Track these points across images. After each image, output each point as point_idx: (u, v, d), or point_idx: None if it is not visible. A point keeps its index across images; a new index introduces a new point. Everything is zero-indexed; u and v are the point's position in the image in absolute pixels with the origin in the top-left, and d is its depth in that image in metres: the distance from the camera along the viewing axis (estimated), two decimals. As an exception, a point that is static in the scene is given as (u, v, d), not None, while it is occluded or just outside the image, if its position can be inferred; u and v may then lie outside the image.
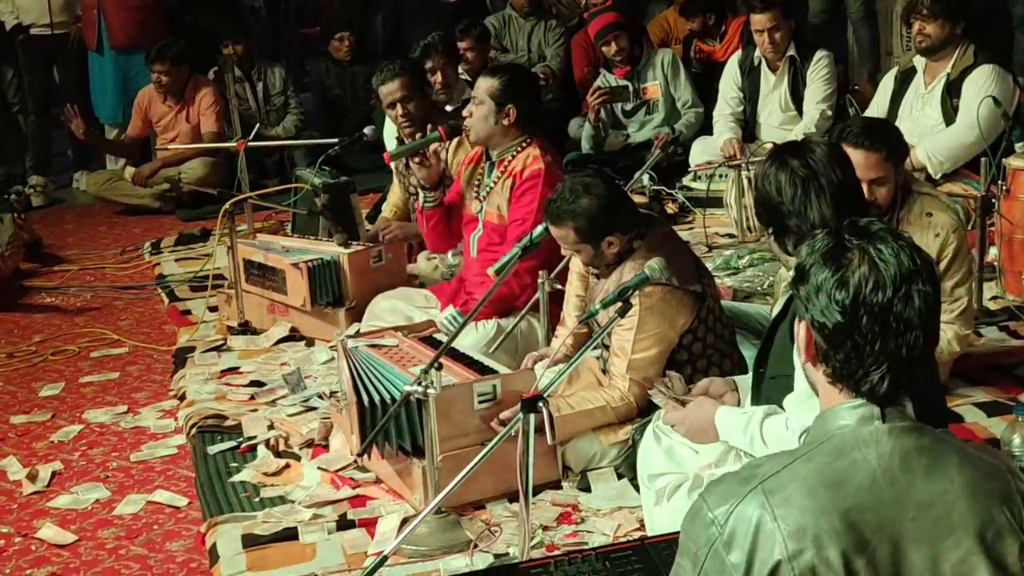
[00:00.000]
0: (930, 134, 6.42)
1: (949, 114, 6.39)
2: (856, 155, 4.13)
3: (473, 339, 4.81)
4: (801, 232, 3.34)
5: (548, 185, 4.78)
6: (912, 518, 2.00)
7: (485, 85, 4.98)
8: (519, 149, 5.01)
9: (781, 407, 3.33)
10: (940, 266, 4.34)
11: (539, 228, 4.14)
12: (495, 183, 5.05)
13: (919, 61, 6.56)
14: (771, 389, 3.43)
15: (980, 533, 2.02)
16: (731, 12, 8.99)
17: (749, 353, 4.16)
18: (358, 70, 9.43)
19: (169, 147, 8.67)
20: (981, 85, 6.24)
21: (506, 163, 5.03)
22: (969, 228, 5.85)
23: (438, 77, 7.02)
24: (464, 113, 5.02)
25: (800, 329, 2.18)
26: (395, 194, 6.27)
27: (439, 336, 4.62)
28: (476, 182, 5.19)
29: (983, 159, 5.66)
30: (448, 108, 6.90)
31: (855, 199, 3.48)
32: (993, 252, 5.72)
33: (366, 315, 5.36)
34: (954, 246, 4.37)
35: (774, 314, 3.53)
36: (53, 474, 4.61)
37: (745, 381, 3.65)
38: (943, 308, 4.35)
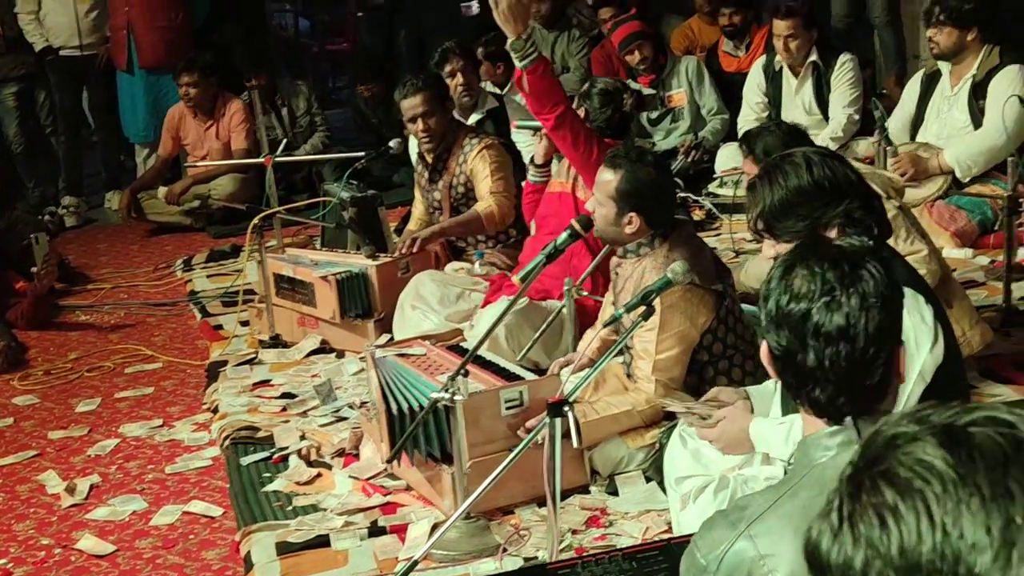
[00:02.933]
0: (957, 136, 6.43)
1: (976, 115, 6.40)
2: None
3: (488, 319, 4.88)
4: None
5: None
6: None
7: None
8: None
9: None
10: None
11: (563, 235, 4.17)
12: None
13: (944, 64, 6.57)
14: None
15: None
16: (756, 23, 8.98)
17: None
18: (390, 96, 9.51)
19: (199, 164, 8.75)
20: (1007, 86, 6.25)
21: None
22: (996, 228, 5.89)
23: (459, 79, 7.08)
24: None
25: (762, 345, 2.20)
26: (418, 208, 6.34)
27: (466, 344, 4.66)
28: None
29: (1010, 159, 5.67)
30: (473, 116, 6.98)
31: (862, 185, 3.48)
32: (1022, 252, 5.72)
33: (406, 293, 5.45)
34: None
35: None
36: (91, 487, 4.69)
37: (758, 390, 3.67)
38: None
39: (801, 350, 2.07)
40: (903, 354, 2.14)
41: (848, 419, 2.08)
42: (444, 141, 5.91)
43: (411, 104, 5.86)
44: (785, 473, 2.79)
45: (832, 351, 2.06)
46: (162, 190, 9.15)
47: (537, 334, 4.81)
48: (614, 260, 4.32)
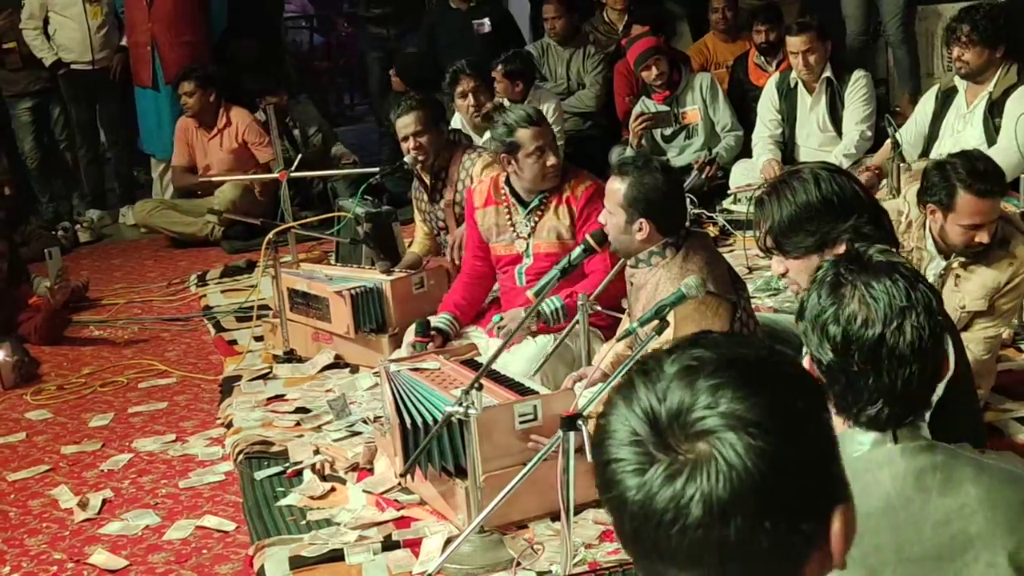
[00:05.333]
0: (972, 154, 6.41)
1: (991, 134, 6.38)
2: (983, 204, 4.22)
3: (532, 351, 4.86)
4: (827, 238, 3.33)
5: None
6: (929, 537, 2.00)
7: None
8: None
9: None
10: (1002, 290, 4.37)
11: (577, 250, 4.17)
12: (540, 216, 5.13)
13: (960, 81, 6.55)
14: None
15: (1003, 544, 2.01)
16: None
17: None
18: None
19: (215, 178, 8.76)
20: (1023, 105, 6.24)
21: (550, 196, 5.15)
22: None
23: (469, 100, 7.09)
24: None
25: (805, 360, 2.20)
26: (420, 230, 6.34)
27: (480, 359, 4.66)
28: (507, 223, 5.28)
29: (1022, 175, 5.65)
30: (487, 134, 6.97)
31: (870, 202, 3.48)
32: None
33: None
34: (1021, 277, 4.38)
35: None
36: (104, 502, 4.68)
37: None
38: (980, 326, 4.38)
39: (873, 373, 2.08)
40: (947, 361, 2.16)
41: None
42: (439, 159, 5.93)
43: (404, 123, 5.93)
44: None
45: (905, 371, 2.07)
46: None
47: (552, 348, 4.81)
48: (628, 270, 4.31)
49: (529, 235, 5.20)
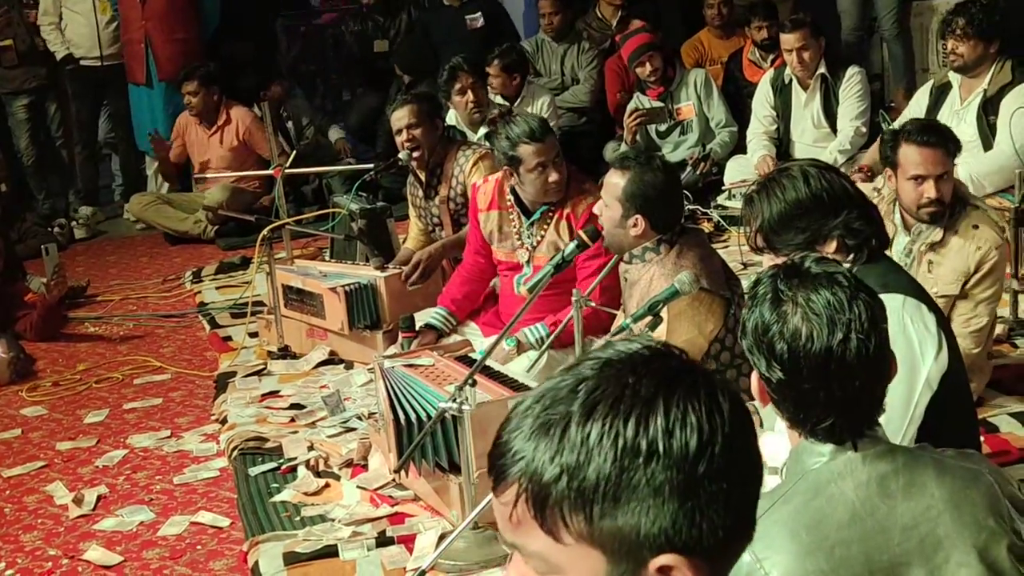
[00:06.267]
0: (966, 151, 6.41)
1: (985, 131, 6.37)
2: (923, 152, 4.32)
3: (523, 364, 4.85)
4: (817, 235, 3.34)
5: None
6: (898, 543, 2.00)
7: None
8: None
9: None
10: (972, 279, 4.38)
11: (571, 246, 4.18)
12: (544, 230, 5.10)
13: (954, 77, 6.54)
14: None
15: (972, 542, 2.01)
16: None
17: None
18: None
19: (209, 176, 8.77)
20: (1019, 103, 6.24)
21: (554, 208, 5.09)
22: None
23: (469, 97, 7.09)
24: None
25: (753, 376, 2.20)
26: (415, 226, 6.33)
27: (475, 356, 4.66)
28: (513, 231, 5.23)
29: (1018, 171, 5.66)
30: (482, 129, 6.98)
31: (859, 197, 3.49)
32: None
33: None
34: (991, 262, 4.41)
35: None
36: (99, 498, 4.69)
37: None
38: (963, 318, 4.39)
39: (823, 387, 2.07)
40: (893, 364, 2.15)
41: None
42: (434, 155, 5.92)
43: (398, 116, 5.92)
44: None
45: (854, 382, 2.07)
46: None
47: (543, 347, 4.81)
48: (622, 266, 4.31)
49: (533, 247, 5.15)
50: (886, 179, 4.55)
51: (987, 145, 6.35)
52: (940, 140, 4.40)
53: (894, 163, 4.44)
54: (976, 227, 4.43)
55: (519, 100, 8.16)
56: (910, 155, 4.36)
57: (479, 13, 9.64)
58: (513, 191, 5.16)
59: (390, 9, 10.26)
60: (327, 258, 6.73)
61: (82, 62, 9.64)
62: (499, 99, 7.95)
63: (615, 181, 4.18)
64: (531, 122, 5.06)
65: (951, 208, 4.42)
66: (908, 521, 2.01)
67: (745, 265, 6.62)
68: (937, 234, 4.43)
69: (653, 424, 1.30)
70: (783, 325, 2.09)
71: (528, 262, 5.17)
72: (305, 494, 4.43)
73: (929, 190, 4.35)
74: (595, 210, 4.30)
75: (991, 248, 4.40)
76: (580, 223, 4.97)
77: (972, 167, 6.27)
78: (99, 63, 9.65)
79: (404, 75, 9.54)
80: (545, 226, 5.10)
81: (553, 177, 4.98)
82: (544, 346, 4.80)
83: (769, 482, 3.34)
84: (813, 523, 2.00)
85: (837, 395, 2.07)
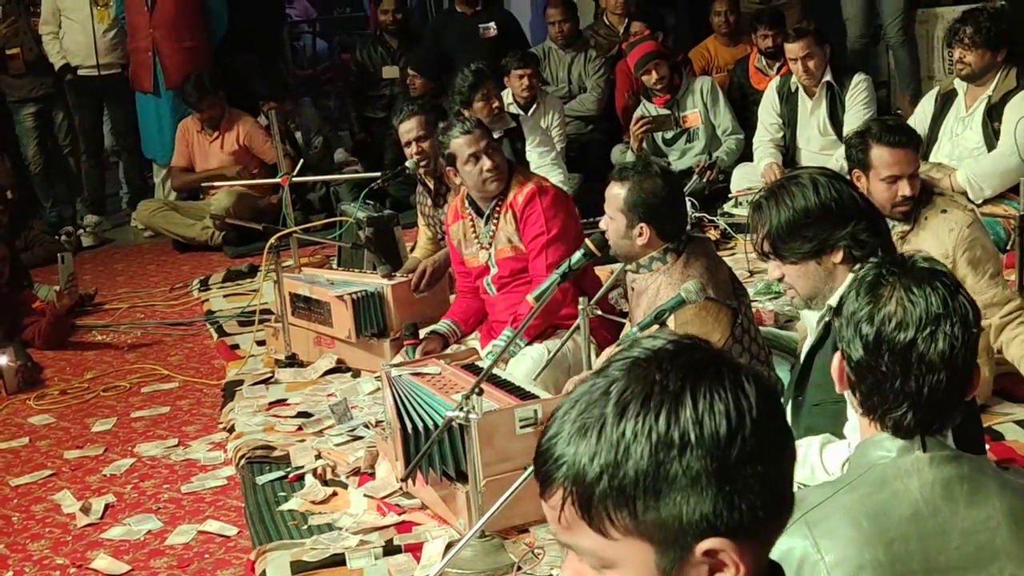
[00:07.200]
0: (970, 157, 6.42)
1: (990, 138, 6.38)
2: (895, 153, 4.38)
3: (527, 367, 4.86)
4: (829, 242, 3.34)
5: (542, 196, 5.10)
6: (956, 546, 2.01)
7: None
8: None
9: (830, 434, 3.33)
10: (959, 261, 4.40)
11: (577, 254, 4.18)
12: (496, 225, 5.18)
13: (960, 84, 6.56)
14: (815, 417, 3.42)
15: None
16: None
17: (785, 374, 4.17)
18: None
19: (216, 184, 8.78)
20: (1022, 109, 6.25)
21: (500, 203, 5.19)
22: (1008, 248, 5.87)
23: (493, 103, 7.09)
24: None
25: (836, 357, 2.21)
26: (424, 235, 6.35)
27: (482, 364, 4.66)
28: (472, 235, 5.33)
29: (1022, 179, 5.66)
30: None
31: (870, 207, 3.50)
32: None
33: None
34: (969, 239, 4.44)
35: (809, 343, 3.52)
36: (106, 507, 4.69)
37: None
38: (980, 301, 4.40)
39: (901, 376, 2.09)
40: (977, 374, 2.18)
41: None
42: (439, 163, 5.95)
43: (406, 128, 5.98)
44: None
45: (933, 378, 2.08)
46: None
47: (551, 355, 4.81)
48: (629, 275, 4.32)
49: (489, 244, 5.24)
50: (855, 180, 4.57)
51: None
52: (908, 139, 4.47)
53: (864, 164, 4.48)
54: (945, 211, 4.48)
55: (533, 109, 8.19)
56: (883, 156, 4.41)
57: (492, 23, 9.67)
58: (469, 197, 5.29)
59: (403, 36, 10.21)
60: (334, 266, 6.73)
61: (79, 71, 9.65)
62: (512, 108, 7.98)
63: (616, 192, 4.18)
64: (462, 121, 5.28)
65: (919, 200, 4.48)
66: (968, 527, 2.01)
67: (751, 273, 6.63)
68: (908, 224, 4.49)
69: (683, 416, 1.36)
70: (875, 308, 2.12)
71: (490, 261, 5.23)
72: (312, 503, 4.44)
73: (904, 188, 4.41)
74: (601, 224, 4.31)
75: (963, 226, 4.45)
76: (521, 207, 5.08)
77: (971, 169, 6.29)
78: (96, 72, 9.65)
79: (412, 78, 9.50)
80: (496, 221, 5.20)
81: (487, 165, 5.11)
82: (553, 354, 4.81)
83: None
84: (875, 514, 2.01)
85: (913, 388, 2.08)
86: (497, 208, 5.20)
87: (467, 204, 5.33)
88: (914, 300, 2.11)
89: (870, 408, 2.14)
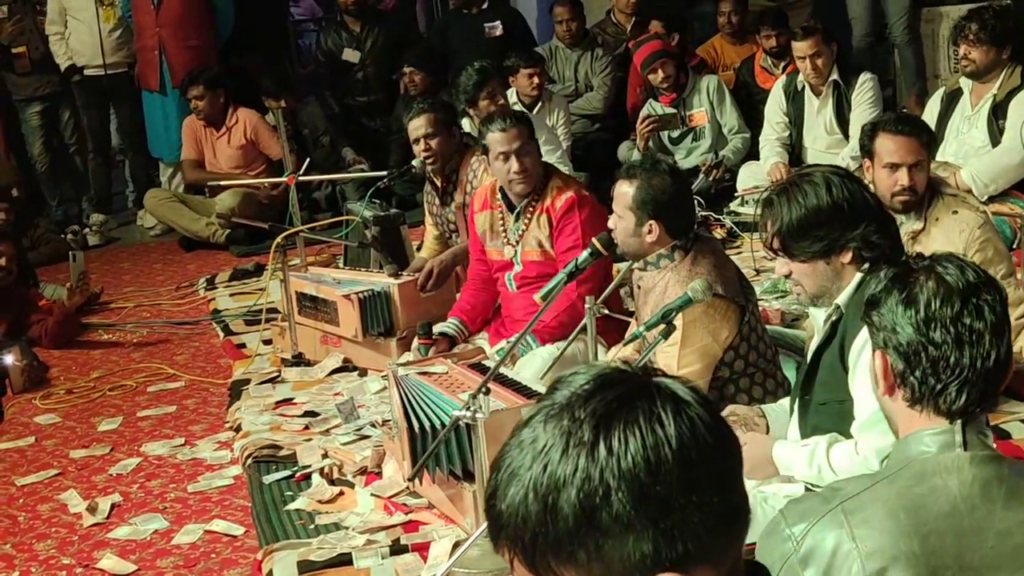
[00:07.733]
0: (976, 156, 6.42)
1: (995, 136, 6.39)
2: (898, 141, 4.43)
3: (537, 367, 4.85)
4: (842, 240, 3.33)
5: (581, 207, 5.07)
6: (991, 546, 2.01)
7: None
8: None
9: (836, 433, 3.33)
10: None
11: (584, 254, 4.18)
12: (527, 225, 5.17)
13: (965, 82, 6.56)
14: (821, 416, 3.42)
15: None
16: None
17: (792, 373, 4.17)
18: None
19: (223, 183, 8.78)
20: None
21: (535, 203, 5.17)
22: (1015, 247, 5.87)
23: (499, 101, 7.09)
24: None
25: (876, 359, 2.20)
26: (430, 233, 6.35)
27: (490, 363, 4.66)
28: (500, 229, 5.32)
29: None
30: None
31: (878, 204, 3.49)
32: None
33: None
34: (981, 240, 4.45)
35: (816, 343, 3.51)
36: (112, 506, 4.69)
37: (773, 408, 3.64)
38: None
39: (955, 347, 2.11)
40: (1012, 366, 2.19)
41: (958, 423, 2.10)
42: (450, 162, 5.95)
43: (416, 125, 5.96)
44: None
45: (983, 349, 2.11)
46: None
47: (559, 353, 4.80)
48: (636, 273, 4.32)
49: (517, 242, 5.23)
50: (864, 170, 4.58)
51: (998, 150, 6.37)
52: (914, 130, 4.50)
53: (871, 153, 4.54)
54: (955, 212, 4.49)
55: (538, 107, 8.18)
56: (885, 144, 4.46)
57: (498, 22, 9.66)
58: (501, 189, 5.28)
59: (365, 17, 10.14)
60: (341, 265, 6.73)
61: (86, 71, 9.66)
62: (517, 107, 7.97)
63: (624, 191, 4.18)
64: (505, 113, 5.30)
65: (927, 198, 4.48)
66: (1004, 528, 2.01)
67: (758, 272, 6.62)
68: (919, 224, 4.48)
69: (599, 463, 1.33)
70: (914, 290, 2.14)
71: (516, 259, 5.22)
72: (319, 502, 4.43)
73: (903, 178, 4.42)
74: (609, 223, 4.30)
75: (974, 227, 4.46)
76: (559, 214, 5.07)
77: (975, 167, 6.28)
78: (103, 72, 9.65)
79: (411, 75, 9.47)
80: (527, 220, 5.18)
81: (515, 167, 5.11)
82: (559, 353, 4.80)
83: (784, 490, 3.35)
84: (913, 507, 2.01)
85: (967, 361, 2.09)
86: (530, 207, 5.20)
87: (499, 196, 5.33)
88: (949, 274, 2.13)
89: (924, 392, 2.13)
